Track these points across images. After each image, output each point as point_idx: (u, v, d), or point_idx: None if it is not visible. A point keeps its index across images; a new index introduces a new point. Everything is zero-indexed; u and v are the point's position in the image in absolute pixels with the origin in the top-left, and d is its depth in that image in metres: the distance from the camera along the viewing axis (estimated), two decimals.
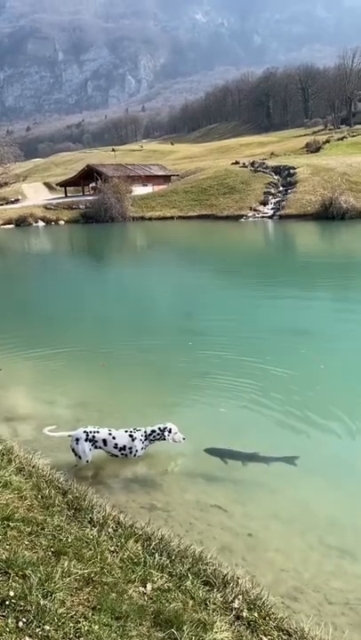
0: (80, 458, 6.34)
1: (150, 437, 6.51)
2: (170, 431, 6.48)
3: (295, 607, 4.34)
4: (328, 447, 6.96)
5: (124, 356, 10.83)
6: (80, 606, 3.54)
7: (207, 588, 3.90)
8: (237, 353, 10.65)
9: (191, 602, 3.71)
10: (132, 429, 6.55)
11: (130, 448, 6.45)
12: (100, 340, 12.19)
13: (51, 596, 3.56)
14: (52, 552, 4.14)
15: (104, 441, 6.43)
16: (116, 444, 6.44)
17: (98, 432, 6.44)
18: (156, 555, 4.23)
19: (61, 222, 52.76)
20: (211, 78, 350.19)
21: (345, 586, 4.66)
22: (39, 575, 3.73)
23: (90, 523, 4.69)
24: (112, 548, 4.33)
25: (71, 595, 3.65)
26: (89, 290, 20.55)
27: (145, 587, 3.84)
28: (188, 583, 3.89)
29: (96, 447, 6.43)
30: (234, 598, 3.76)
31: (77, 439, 6.37)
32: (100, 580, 3.85)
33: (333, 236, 34.09)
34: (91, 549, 4.22)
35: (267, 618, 3.67)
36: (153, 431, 6.52)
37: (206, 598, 3.76)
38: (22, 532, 4.42)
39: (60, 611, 3.43)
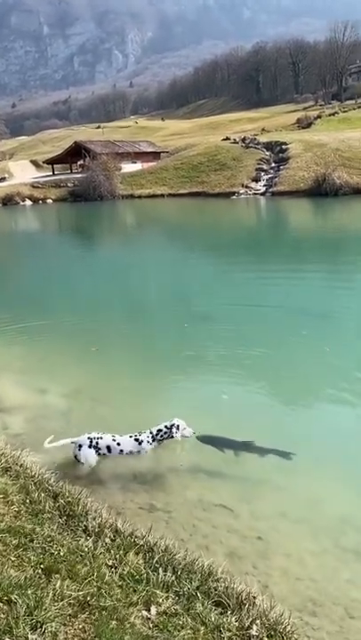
0: (83, 465, 5.90)
1: (158, 437, 6.07)
2: (178, 427, 6.05)
3: (314, 623, 3.90)
4: (339, 438, 6.50)
5: (116, 339, 10.31)
6: (75, 639, 3.07)
7: (220, 609, 3.44)
8: (235, 335, 10.15)
9: (203, 629, 3.24)
10: (137, 433, 6.08)
11: (138, 452, 6.02)
12: (92, 323, 11.62)
13: (41, 627, 3.08)
14: (43, 569, 3.65)
15: (108, 448, 5.98)
16: (121, 451, 6.01)
17: (101, 438, 5.99)
18: (160, 570, 3.75)
19: (49, 201, 51.63)
20: (199, 53, 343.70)
21: None
22: (27, 601, 3.24)
23: (84, 532, 4.21)
24: (110, 563, 3.85)
25: (65, 624, 3.17)
26: (78, 271, 19.87)
27: (149, 610, 3.37)
28: (199, 605, 3.42)
29: (99, 454, 5.97)
30: (251, 623, 3.30)
31: (80, 446, 5.94)
32: (98, 603, 3.37)
33: (327, 213, 33.47)
34: (86, 564, 3.74)
35: None
36: (159, 430, 6.08)
37: (220, 624, 3.29)
38: (8, 544, 3.92)
39: None
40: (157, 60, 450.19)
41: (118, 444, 5.99)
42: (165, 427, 6.06)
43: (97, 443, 5.95)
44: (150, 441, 6.03)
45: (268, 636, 3.24)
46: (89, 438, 5.96)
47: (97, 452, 5.94)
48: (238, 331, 10.37)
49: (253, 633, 3.23)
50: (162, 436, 6.06)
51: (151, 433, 6.06)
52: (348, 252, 19.86)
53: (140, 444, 6.00)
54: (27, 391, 8.06)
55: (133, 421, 6.50)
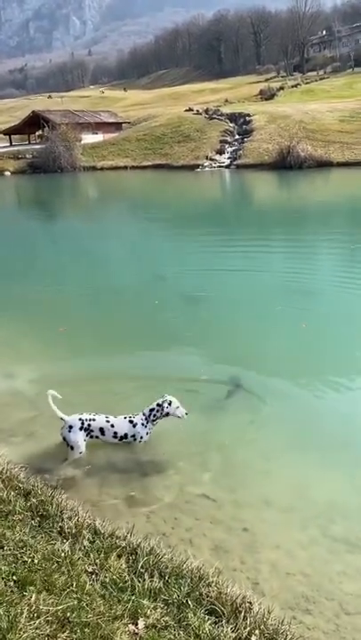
0: (72, 449, 5.35)
1: (152, 418, 5.53)
2: (170, 403, 5.52)
3: (309, 622, 3.67)
4: (325, 422, 6.27)
5: (84, 318, 9.85)
6: None
7: (214, 618, 3.14)
8: (208, 311, 9.86)
9: None
10: (131, 415, 5.56)
11: (133, 436, 5.51)
12: (57, 301, 11.06)
13: None
14: (15, 582, 3.29)
15: (101, 430, 5.47)
16: (115, 434, 5.48)
17: (94, 420, 5.44)
18: (146, 575, 3.44)
19: (7, 173, 49.68)
20: (160, 21, 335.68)
21: (359, 589, 4.02)
22: (0, 623, 2.88)
23: (60, 534, 3.85)
24: (90, 569, 3.51)
25: None
26: (39, 247, 19.05)
27: (136, 624, 3.05)
28: (191, 615, 3.12)
29: (92, 437, 5.45)
30: (250, 634, 3.02)
31: (71, 426, 5.35)
32: (79, 619, 3.03)
33: (291, 186, 33.25)
34: (63, 573, 3.40)
35: None
36: (152, 410, 5.53)
37: (215, 636, 3.00)
38: None
39: None
40: (117, 27, 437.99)
41: (112, 426, 5.46)
42: (157, 404, 5.53)
43: (89, 425, 5.39)
44: (145, 423, 5.51)
45: None
46: (80, 419, 5.39)
47: (89, 434, 5.41)
48: (209, 307, 10.06)
49: None
50: (155, 415, 5.53)
51: (144, 414, 5.55)
52: (308, 224, 19.76)
53: (134, 426, 5.49)
54: None
55: (109, 407, 6.09)
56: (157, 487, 5.09)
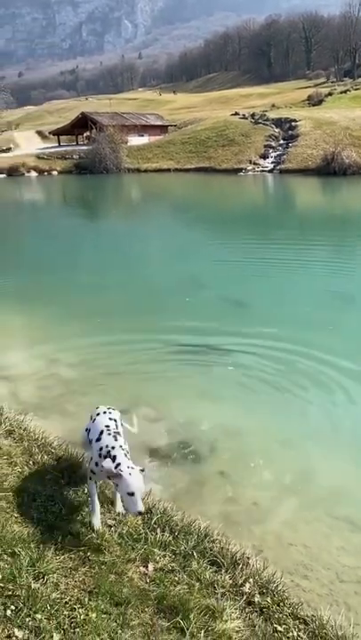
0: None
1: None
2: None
3: (305, 586, 4.04)
4: (329, 414, 6.62)
5: (120, 312, 10.39)
6: (75, 590, 3.21)
7: (215, 568, 3.57)
8: (238, 311, 10.26)
9: (198, 585, 3.38)
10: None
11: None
12: (96, 296, 11.69)
13: (43, 577, 3.22)
14: (45, 527, 3.79)
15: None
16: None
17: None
18: (158, 530, 3.89)
19: (54, 172, 51.15)
20: (210, 25, 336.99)
21: (356, 562, 4.36)
22: (30, 554, 3.38)
23: (85, 493, 4.33)
24: (110, 522, 3.98)
25: (65, 576, 3.31)
26: (82, 243, 19.83)
27: (146, 567, 3.50)
28: (194, 564, 3.56)
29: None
30: (244, 581, 3.44)
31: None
32: (98, 558, 3.51)
33: (335, 192, 33.20)
34: (86, 524, 3.87)
35: (281, 604, 3.35)
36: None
37: (214, 581, 3.43)
38: (12, 502, 4.07)
39: (54, 596, 3.09)
40: (167, 31, 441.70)
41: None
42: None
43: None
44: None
45: (260, 594, 3.38)
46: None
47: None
48: (240, 309, 10.46)
49: (246, 590, 3.37)
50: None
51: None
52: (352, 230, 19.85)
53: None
54: (35, 360, 8.18)
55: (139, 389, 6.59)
56: (174, 463, 5.53)
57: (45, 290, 12.14)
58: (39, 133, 72.57)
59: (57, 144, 63.07)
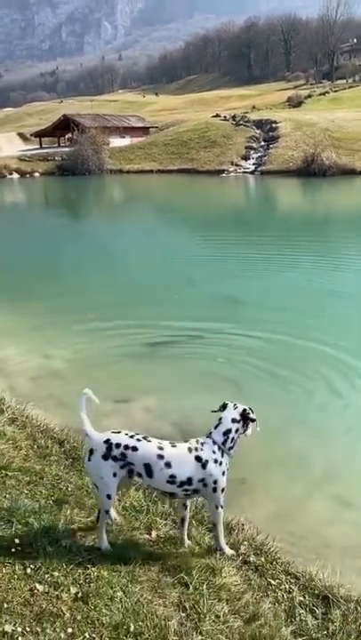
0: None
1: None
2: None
3: (293, 551, 4.36)
4: (319, 400, 7.01)
5: (110, 308, 10.68)
6: (86, 553, 3.50)
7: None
8: (225, 306, 10.62)
9: (197, 548, 3.71)
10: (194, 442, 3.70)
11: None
12: (83, 293, 12.01)
13: (57, 542, 3.51)
14: (54, 501, 4.08)
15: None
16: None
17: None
18: (159, 503, 4.20)
19: (36, 174, 51.14)
20: (190, 27, 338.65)
21: (343, 532, 4.72)
22: (43, 524, 3.67)
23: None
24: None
25: (76, 542, 3.60)
26: (65, 244, 20.01)
27: (150, 534, 3.81)
28: (193, 530, 3.88)
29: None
30: (240, 544, 3.77)
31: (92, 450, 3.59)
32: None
33: (315, 192, 33.83)
34: (92, 498, 4.16)
35: (273, 562, 3.69)
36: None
37: (211, 545, 3.76)
38: (21, 481, 4.34)
39: (68, 557, 3.38)
40: (147, 32, 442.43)
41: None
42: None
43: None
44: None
45: (254, 554, 3.71)
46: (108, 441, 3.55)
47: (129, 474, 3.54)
48: (229, 302, 10.82)
49: (242, 551, 3.71)
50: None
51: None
52: (333, 230, 20.39)
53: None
54: (29, 355, 8.45)
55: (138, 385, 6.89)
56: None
57: (33, 289, 12.38)
58: (20, 135, 72.39)
59: (39, 146, 63.01)
